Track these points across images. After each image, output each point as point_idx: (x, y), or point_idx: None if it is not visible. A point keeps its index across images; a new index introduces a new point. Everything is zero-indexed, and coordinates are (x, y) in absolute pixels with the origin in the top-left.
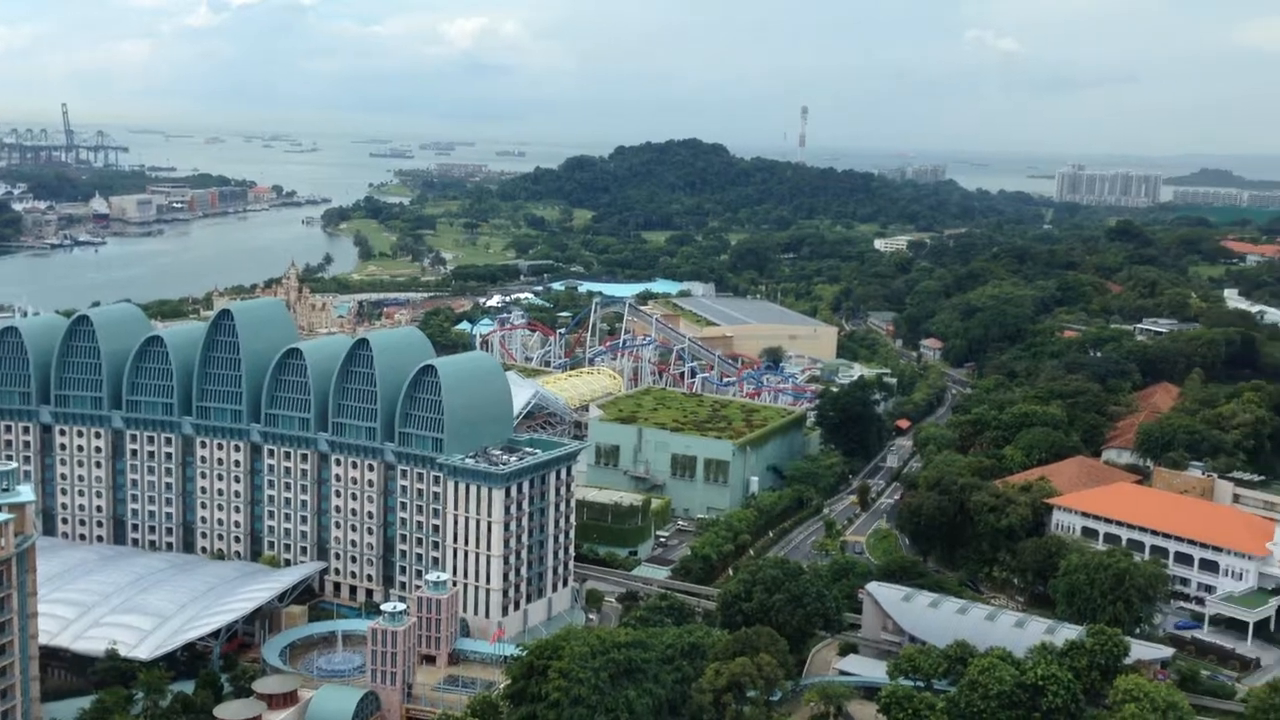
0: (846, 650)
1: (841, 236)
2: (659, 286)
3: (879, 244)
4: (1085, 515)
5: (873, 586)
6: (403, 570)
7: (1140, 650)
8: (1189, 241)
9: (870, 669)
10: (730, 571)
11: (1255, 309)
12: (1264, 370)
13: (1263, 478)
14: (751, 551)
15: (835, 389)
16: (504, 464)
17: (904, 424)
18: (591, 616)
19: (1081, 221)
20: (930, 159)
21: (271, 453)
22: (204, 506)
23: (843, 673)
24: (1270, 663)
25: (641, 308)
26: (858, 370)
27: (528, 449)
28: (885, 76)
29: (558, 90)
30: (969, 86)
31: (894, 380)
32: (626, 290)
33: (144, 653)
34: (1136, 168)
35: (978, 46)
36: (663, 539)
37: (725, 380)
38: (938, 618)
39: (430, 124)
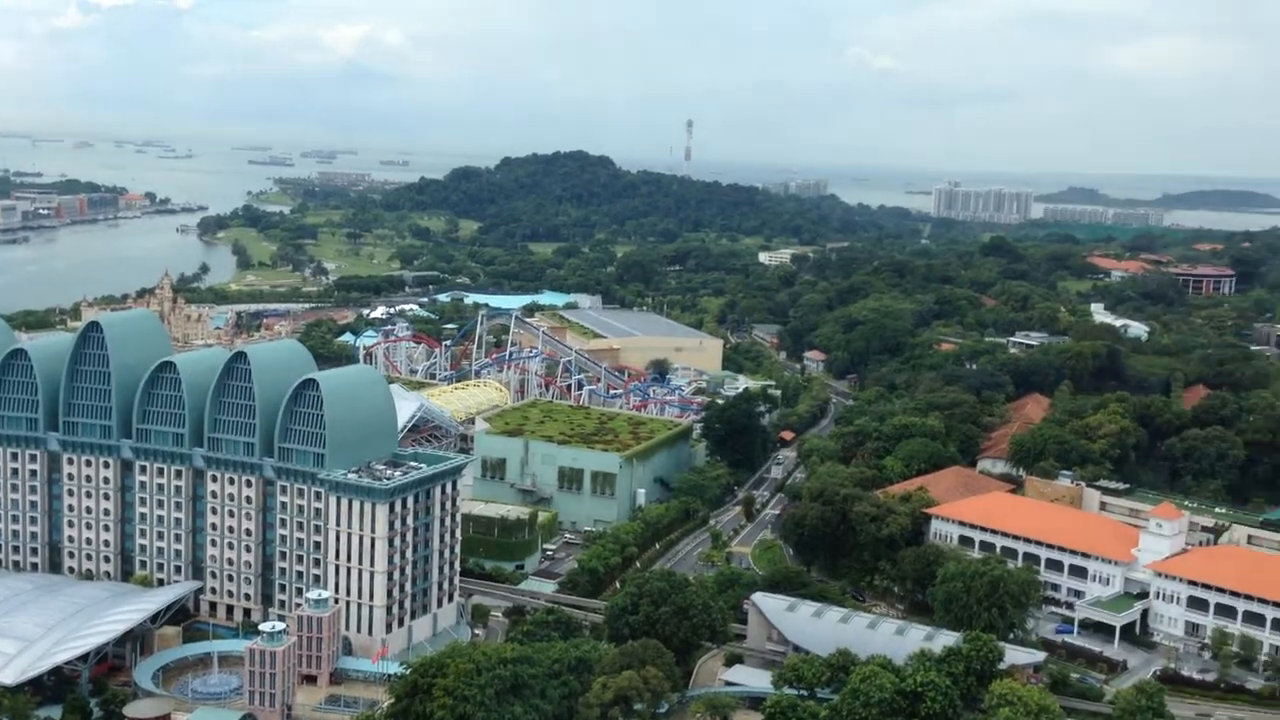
0: (732, 661)
1: (727, 249)
2: (546, 298)
3: (764, 257)
4: (962, 524)
5: (758, 597)
6: (282, 589)
7: (1014, 655)
8: (1058, 257)
9: (755, 679)
10: (617, 584)
11: (1119, 323)
12: (1127, 382)
13: (1127, 486)
14: (638, 564)
15: (721, 401)
16: (388, 479)
17: (788, 435)
18: (478, 632)
19: (958, 236)
20: (813, 174)
21: (144, 469)
22: (71, 525)
23: (728, 683)
24: (1136, 664)
25: (528, 320)
26: (743, 382)
27: (412, 463)
28: (769, 92)
29: (443, 100)
30: (849, 103)
31: (778, 392)
32: (513, 302)
33: (8, 678)
34: (1009, 185)
35: (857, 64)
36: (550, 552)
37: (612, 393)
38: (821, 627)
39: (312, 132)
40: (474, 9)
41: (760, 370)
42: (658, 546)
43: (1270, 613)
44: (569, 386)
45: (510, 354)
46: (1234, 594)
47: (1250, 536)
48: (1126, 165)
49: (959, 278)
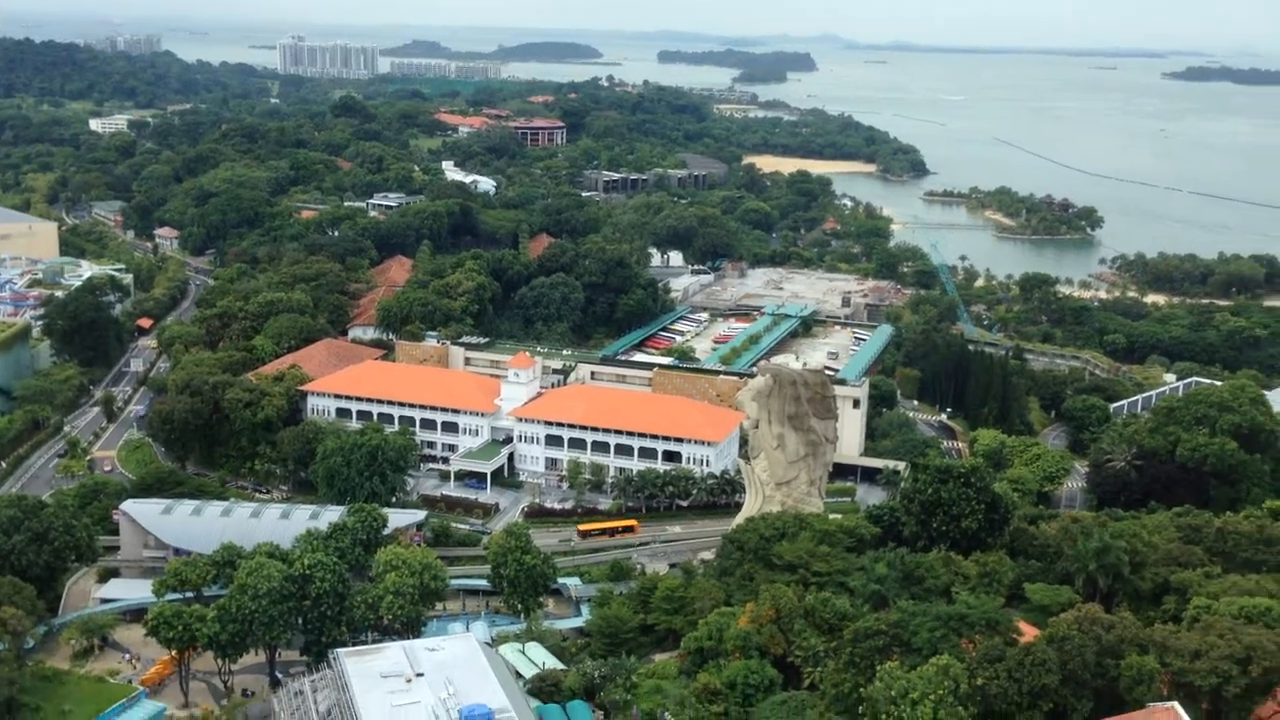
0: (107, 576)
1: (50, 117)
2: None
3: (95, 124)
4: (337, 397)
5: (128, 505)
6: None
7: (397, 519)
8: (408, 115)
9: (135, 590)
10: None
11: (469, 179)
12: (481, 237)
13: (488, 340)
14: None
15: (62, 293)
16: None
17: (146, 323)
18: None
19: (307, 95)
20: (142, 27)
21: None
22: None
23: (105, 600)
24: (507, 505)
25: None
26: (87, 269)
27: None
28: None
29: None
30: None
31: (129, 277)
32: None
33: None
34: (354, 39)
35: None
36: None
37: None
38: (201, 525)
39: None
40: None
41: (106, 254)
42: (4, 465)
43: (612, 440)
44: None
45: None
46: (582, 428)
47: (593, 373)
48: (464, 18)
49: (313, 140)
